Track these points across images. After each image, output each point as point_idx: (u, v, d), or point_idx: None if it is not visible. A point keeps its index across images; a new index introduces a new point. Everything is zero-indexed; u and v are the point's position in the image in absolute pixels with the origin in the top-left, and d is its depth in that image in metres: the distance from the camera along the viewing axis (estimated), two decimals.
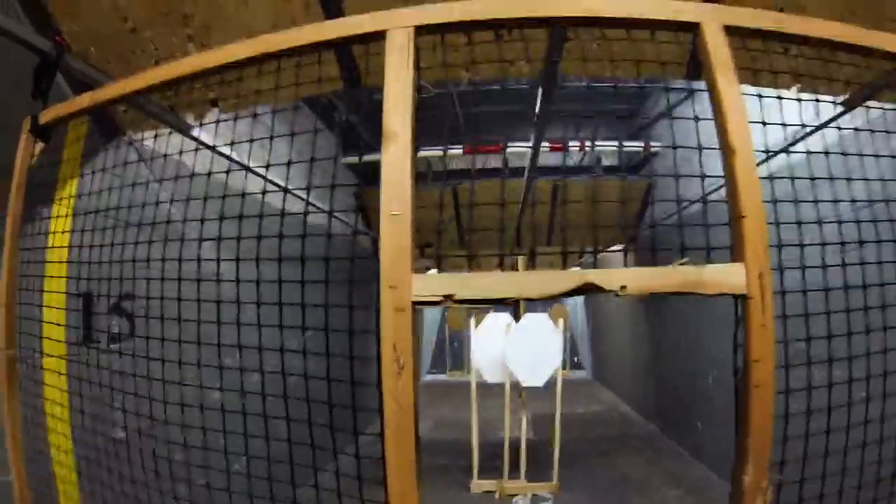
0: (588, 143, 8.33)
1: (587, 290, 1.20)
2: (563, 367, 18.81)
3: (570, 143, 8.20)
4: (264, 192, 2.22)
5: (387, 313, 1.24)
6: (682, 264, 1.23)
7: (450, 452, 8.73)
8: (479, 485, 7.16)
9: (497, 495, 7.01)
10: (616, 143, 8.50)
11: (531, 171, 6.29)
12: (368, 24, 1.46)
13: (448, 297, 1.23)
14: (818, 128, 2.88)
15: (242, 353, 2.14)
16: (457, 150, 8.32)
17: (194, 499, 2.43)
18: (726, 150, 1.31)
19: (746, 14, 1.55)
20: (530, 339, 6.79)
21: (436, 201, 8.81)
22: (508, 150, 8.09)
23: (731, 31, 1.48)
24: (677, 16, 1.50)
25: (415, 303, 1.24)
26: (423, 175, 9.19)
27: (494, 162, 9.63)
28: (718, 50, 1.43)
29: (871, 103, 2.89)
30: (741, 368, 1.26)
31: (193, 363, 2.40)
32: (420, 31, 1.44)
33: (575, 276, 1.20)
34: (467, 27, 1.51)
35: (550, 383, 7.11)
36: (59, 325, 3.13)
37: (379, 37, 1.45)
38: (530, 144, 5.54)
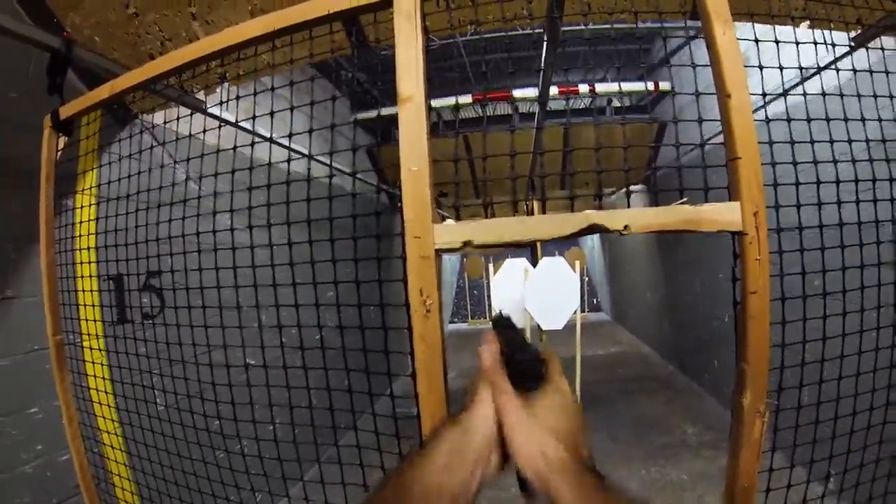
0: (597, 86, 8.25)
1: (594, 230, 1.29)
2: (582, 310, 18.99)
3: (579, 87, 8.13)
4: (289, 161, 2.29)
5: (412, 261, 1.34)
6: (681, 204, 1.31)
7: None
8: None
9: None
10: (621, 83, 8.40)
11: (539, 121, 6.29)
12: None
13: (467, 244, 1.33)
14: (818, 70, 2.89)
15: (280, 312, 2.25)
16: (466, 99, 8.28)
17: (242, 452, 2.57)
18: (722, 95, 1.37)
19: None
20: (548, 283, 6.88)
21: (449, 151, 8.87)
22: (517, 95, 8.06)
23: None
24: None
25: (437, 250, 1.34)
26: (434, 125, 9.25)
27: (504, 109, 9.64)
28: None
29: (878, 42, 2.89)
30: (740, 301, 1.35)
31: (234, 326, 2.53)
32: None
33: (581, 217, 1.29)
34: None
35: (570, 325, 7.23)
36: (94, 307, 3.29)
37: (387, 5, 1.50)
38: (537, 93, 5.54)
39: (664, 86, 8.16)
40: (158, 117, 3.74)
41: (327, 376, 2.00)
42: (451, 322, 19.16)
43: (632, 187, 10.74)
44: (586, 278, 20.16)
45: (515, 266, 7.21)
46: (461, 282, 21.05)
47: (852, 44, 2.91)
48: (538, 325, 7.10)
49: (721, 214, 1.30)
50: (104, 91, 2.23)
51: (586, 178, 9.68)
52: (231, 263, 2.27)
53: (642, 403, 8.45)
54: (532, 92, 7.61)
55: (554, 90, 7.86)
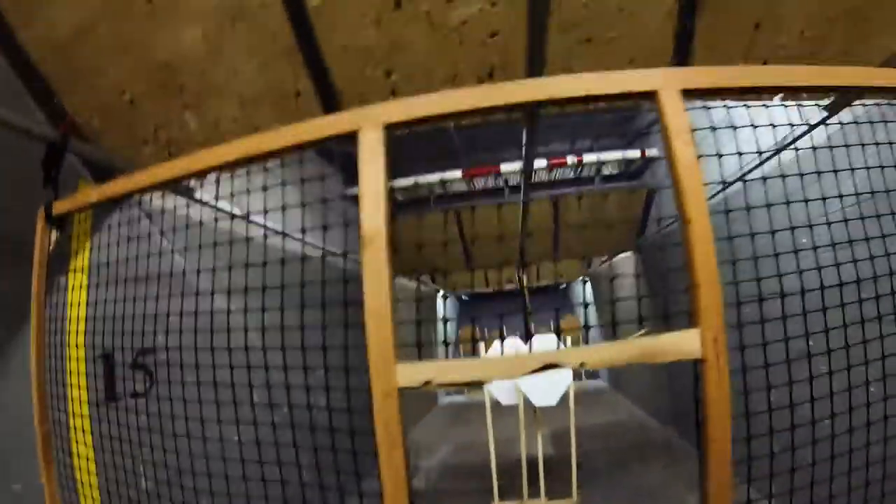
0: (584, 156, 8.40)
1: (550, 367, 1.33)
2: (579, 378, 18.78)
3: (567, 158, 8.28)
4: (280, 242, 2.35)
5: (377, 397, 1.38)
6: (642, 335, 1.36)
7: (470, 475, 8.81)
8: None
9: None
10: (608, 152, 8.54)
11: (525, 194, 6.40)
12: (341, 124, 1.58)
13: (427, 383, 1.37)
14: (775, 152, 2.99)
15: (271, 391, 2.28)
16: (456, 174, 8.39)
17: None
18: (683, 219, 1.42)
19: (702, 75, 1.65)
20: None
21: (440, 225, 9.04)
22: (504, 169, 8.19)
23: (688, 94, 1.58)
24: (635, 87, 1.62)
25: (400, 388, 1.38)
26: (426, 199, 9.37)
27: (494, 183, 9.78)
28: (675, 115, 1.52)
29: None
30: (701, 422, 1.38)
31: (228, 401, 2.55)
32: (391, 128, 1.56)
33: (538, 357, 1.33)
34: (437, 119, 1.61)
35: (565, 398, 7.19)
36: (80, 387, 3.29)
37: (353, 136, 1.56)
38: (521, 169, 5.67)
39: (651, 152, 8.26)
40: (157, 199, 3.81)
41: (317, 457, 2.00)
42: (448, 394, 18.98)
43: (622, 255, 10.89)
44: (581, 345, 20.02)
45: (510, 344, 7.22)
46: (457, 352, 20.93)
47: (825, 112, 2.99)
48: (531, 402, 7.06)
49: (680, 344, 1.35)
50: (93, 195, 2.32)
51: (575, 248, 9.81)
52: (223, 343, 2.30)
53: (641, 472, 8.35)
54: (519, 165, 7.74)
55: (543, 163, 8.02)
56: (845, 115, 3.11)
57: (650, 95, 1.59)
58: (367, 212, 1.46)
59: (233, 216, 2.97)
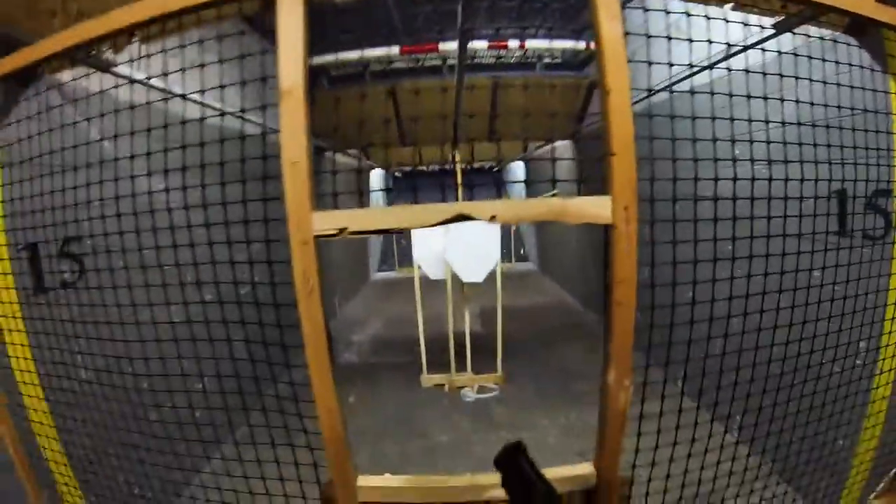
0: (527, 42, 8.26)
1: (462, 219, 1.36)
2: (509, 260, 19.12)
3: (509, 42, 8.13)
4: (202, 116, 2.28)
5: (295, 246, 1.40)
6: (553, 195, 1.40)
7: (401, 349, 9.14)
8: (428, 379, 7.54)
9: (446, 388, 7.41)
10: (553, 41, 8.41)
11: (461, 73, 6.29)
12: None
13: (342, 231, 1.39)
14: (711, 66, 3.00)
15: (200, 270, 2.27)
16: (394, 50, 8.16)
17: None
18: (603, 90, 1.44)
19: None
20: (468, 237, 6.95)
21: (376, 101, 8.88)
22: (444, 48, 8.01)
23: None
24: None
25: (316, 236, 1.40)
26: (361, 75, 9.15)
27: (433, 61, 9.57)
28: None
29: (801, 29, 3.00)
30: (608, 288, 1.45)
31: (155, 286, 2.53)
32: None
33: (451, 207, 1.36)
34: None
35: (492, 276, 7.40)
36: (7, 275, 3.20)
37: None
38: (457, 45, 5.56)
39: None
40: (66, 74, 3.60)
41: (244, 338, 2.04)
42: (379, 270, 19.22)
43: (559, 142, 10.94)
44: (513, 228, 20.40)
45: None
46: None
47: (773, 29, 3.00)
48: (460, 278, 7.21)
49: (591, 208, 1.39)
50: (7, 63, 2.15)
51: (513, 131, 9.79)
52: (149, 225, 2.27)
53: (564, 353, 8.75)
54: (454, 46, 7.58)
55: (484, 44, 7.86)
56: (782, 45, 3.12)
57: None
58: (284, 63, 1.42)
59: (152, 88, 2.83)
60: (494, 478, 1.80)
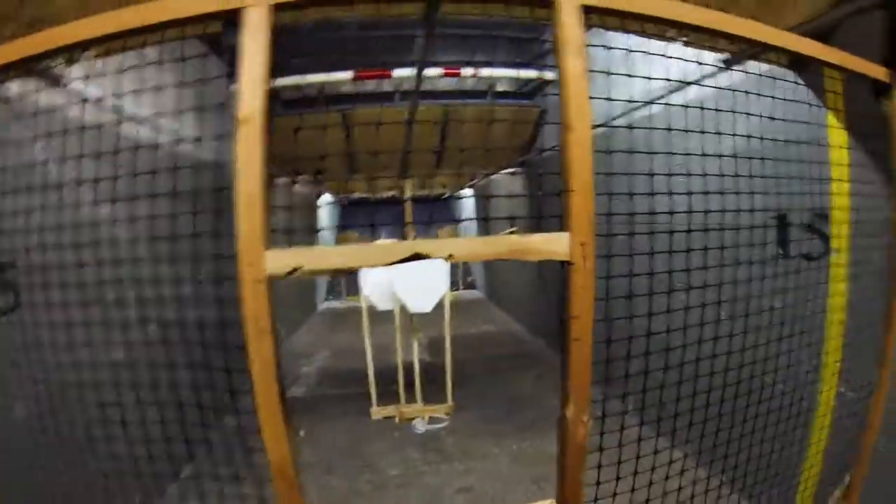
0: (481, 70, 8.33)
1: (418, 258, 1.34)
2: (456, 288, 19.12)
3: (461, 70, 8.19)
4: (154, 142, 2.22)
5: (246, 285, 1.36)
6: (510, 233, 1.39)
7: (349, 380, 8.99)
8: (378, 411, 7.46)
9: (396, 420, 7.33)
10: (506, 69, 8.51)
11: (414, 98, 6.32)
12: (223, 2, 1.46)
13: (296, 270, 1.36)
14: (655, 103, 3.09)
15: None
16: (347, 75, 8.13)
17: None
18: (565, 127, 1.44)
19: None
20: (416, 267, 6.92)
21: (326, 125, 8.82)
22: (397, 75, 8.02)
23: (588, 10, 1.55)
24: None
25: (269, 276, 1.36)
26: (314, 99, 9.09)
27: (387, 87, 9.58)
28: (570, 28, 1.50)
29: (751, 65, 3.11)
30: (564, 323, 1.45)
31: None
32: (279, 7, 1.46)
33: (406, 246, 1.35)
34: (339, 2, 1.52)
35: (440, 305, 7.37)
36: None
37: (235, 14, 1.44)
38: (414, 71, 5.58)
39: (548, 75, 8.31)
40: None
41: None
42: (327, 300, 19.02)
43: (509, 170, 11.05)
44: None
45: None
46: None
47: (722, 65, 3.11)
48: (407, 308, 7.19)
49: (549, 245, 1.39)
50: None
51: (463, 159, 9.84)
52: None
53: (514, 380, 8.76)
54: (411, 72, 7.61)
55: (438, 71, 7.91)
56: (730, 77, 3.24)
57: (547, 3, 1.55)
58: (245, 91, 1.39)
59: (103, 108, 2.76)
60: None
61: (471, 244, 1.36)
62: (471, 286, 20.74)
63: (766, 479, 3.61)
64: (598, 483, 1.99)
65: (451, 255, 1.35)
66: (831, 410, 3.80)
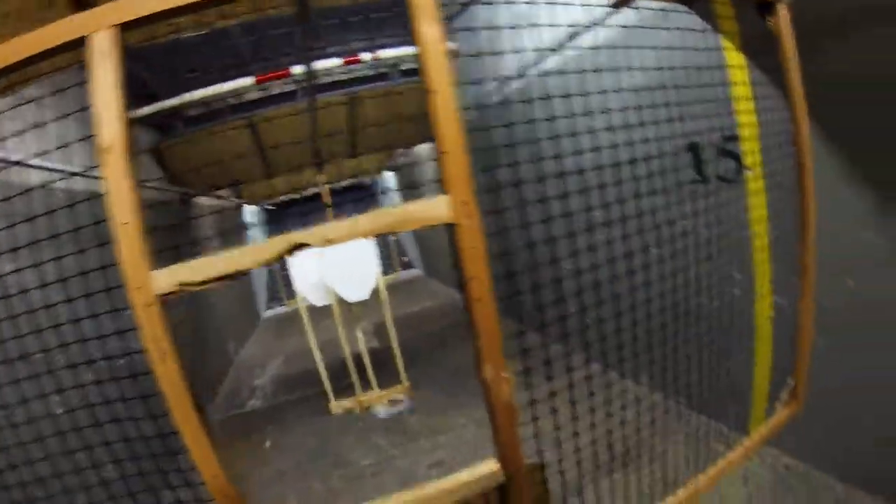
0: (380, 52, 8.24)
1: (298, 248, 1.32)
2: (394, 270, 19.13)
3: (362, 56, 8.08)
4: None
5: (138, 311, 1.32)
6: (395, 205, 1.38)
7: (305, 383, 8.95)
8: (337, 406, 7.43)
9: (357, 411, 7.32)
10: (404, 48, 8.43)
11: (314, 94, 6.24)
12: (66, 33, 1.40)
13: (184, 286, 1.32)
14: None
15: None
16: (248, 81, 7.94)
17: None
18: (428, 92, 1.43)
19: None
20: (344, 256, 6.88)
21: (236, 135, 8.64)
22: (296, 71, 7.88)
23: None
24: None
25: (159, 296, 1.32)
26: (219, 112, 8.88)
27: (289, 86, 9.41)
28: None
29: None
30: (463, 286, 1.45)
31: None
32: (127, 27, 1.40)
33: (283, 240, 1.32)
34: (172, 14, 1.47)
35: (379, 292, 7.35)
36: None
37: (78, 44, 1.39)
38: (306, 68, 5.49)
39: (450, 46, 8.25)
40: None
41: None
42: (269, 307, 18.76)
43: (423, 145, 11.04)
44: (393, 238, 20.37)
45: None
46: (274, 266, 20.48)
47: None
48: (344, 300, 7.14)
49: (430, 210, 1.38)
50: None
51: (377, 144, 9.78)
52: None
53: (462, 351, 8.80)
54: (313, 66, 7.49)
55: (338, 61, 7.81)
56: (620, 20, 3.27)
57: None
58: (102, 120, 1.33)
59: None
60: (405, 496, 1.77)
61: (348, 224, 1.34)
62: (408, 266, 20.71)
63: (722, 396, 3.76)
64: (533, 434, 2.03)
65: (329, 240, 1.33)
66: (770, 321, 3.97)
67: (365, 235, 1.34)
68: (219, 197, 10.43)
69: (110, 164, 1.32)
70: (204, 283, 1.33)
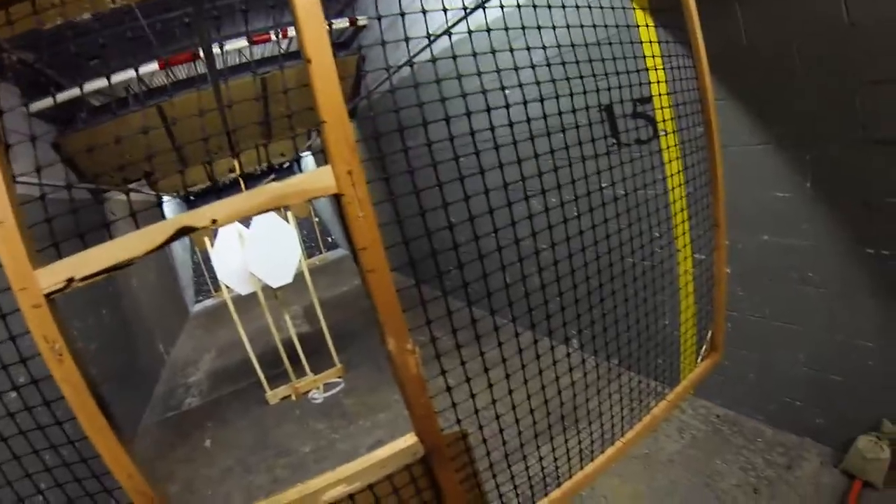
0: (287, 29, 8.05)
1: (184, 232, 1.24)
2: (319, 251, 18.92)
3: (270, 34, 7.88)
4: None
5: (27, 313, 1.22)
6: (272, 181, 1.32)
7: (239, 375, 8.81)
8: (274, 394, 7.34)
9: (293, 397, 7.22)
10: None
11: (220, 76, 6.04)
12: None
13: (70, 281, 1.23)
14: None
15: None
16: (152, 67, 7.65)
17: None
18: (305, 61, 1.36)
19: None
20: (265, 241, 6.74)
21: (145, 125, 8.30)
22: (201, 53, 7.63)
23: None
24: None
25: (47, 295, 1.23)
26: (125, 100, 8.54)
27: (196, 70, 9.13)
28: None
29: None
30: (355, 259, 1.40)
31: None
32: None
33: (169, 224, 1.24)
34: None
35: (304, 275, 7.30)
36: None
37: None
38: (206, 48, 5.30)
39: (361, 20, 8.20)
40: None
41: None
42: (197, 301, 18.30)
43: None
44: (316, 220, 20.13)
45: (229, 232, 6.90)
46: (196, 257, 19.96)
47: None
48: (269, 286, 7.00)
49: (314, 182, 1.32)
50: None
51: (293, 123, 9.57)
52: None
53: None
54: (225, 47, 7.30)
55: (243, 42, 7.61)
56: None
57: None
58: None
59: None
60: (325, 478, 1.73)
61: (231, 203, 1.26)
62: (333, 245, 20.47)
63: (650, 352, 3.84)
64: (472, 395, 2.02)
65: (214, 220, 1.25)
66: (691, 276, 4.07)
67: (251, 212, 1.27)
68: (132, 191, 10.06)
69: None
70: (94, 275, 1.24)
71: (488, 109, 2.00)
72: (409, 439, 1.75)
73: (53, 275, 1.24)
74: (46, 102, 7.17)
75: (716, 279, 2.82)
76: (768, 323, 3.84)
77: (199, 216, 1.24)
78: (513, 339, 2.26)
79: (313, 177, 1.32)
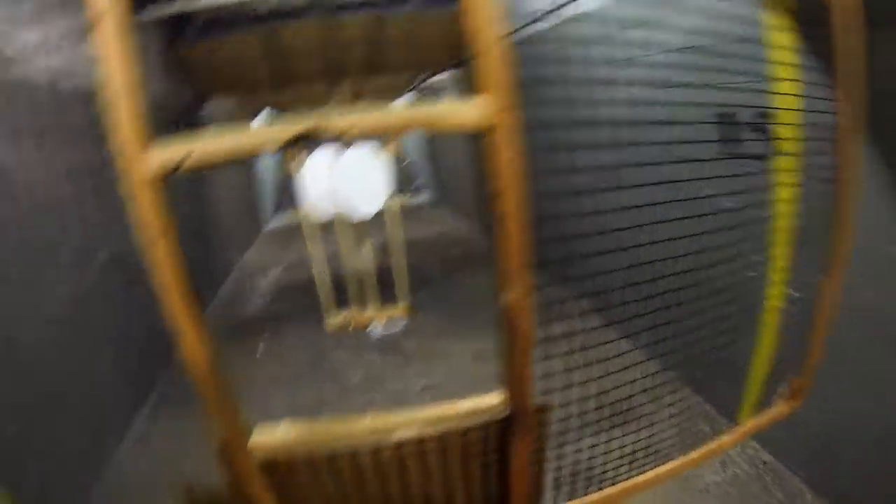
0: None
1: (311, 134, 1.18)
2: (403, 194, 19.02)
3: None
4: None
5: (135, 188, 1.18)
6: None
7: (304, 293, 8.87)
8: (334, 320, 7.41)
9: (353, 326, 7.29)
10: None
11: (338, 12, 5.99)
12: None
13: (184, 160, 1.18)
14: None
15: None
16: None
17: None
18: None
19: None
20: (354, 173, 6.76)
21: (254, 45, 8.34)
22: None
23: None
24: None
25: (157, 172, 1.19)
26: (240, 19, 8.56)
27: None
28: None
29: None
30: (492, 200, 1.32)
31: None
32: None
33: (298, 125, 1.18)
34: None
35: (388, 211, 7.25)
36: None
37: None
38: None
39: None
40: None
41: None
42: (274, 217, 18.63)
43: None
44: (406, 161, 20.06)
45: (320, 158, 6.92)
46: (281, 175, 20.29)
47: None
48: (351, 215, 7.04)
49: (462, 112, 1.23)
50: None
51: (396, 65, 9.48)
52: None
53: (467, 280, 8.75)
54: None
55: None
56: None
57: None
58: None
59: None
60: (403, 416, 1.71)
61: (369, 118, 1.20)
62: (420, 190, 20.43)
63: (716, 375, 3.65)
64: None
65: (344, 132, 1.18)
66: (779, 311, 3.84)
67: (386, 131, 1.20)
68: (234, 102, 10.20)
69: (103, 34, 1.16)
70: (205, 160, 1.19)
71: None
72: (497, 397, 1.70)
73: (168, 153, 1.20)
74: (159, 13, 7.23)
75: (818, 323, 2.61)
76: (847, 386, 3.61)
77: (333, 123, 1.18)
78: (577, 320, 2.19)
79: (464, 107, 1.23)
